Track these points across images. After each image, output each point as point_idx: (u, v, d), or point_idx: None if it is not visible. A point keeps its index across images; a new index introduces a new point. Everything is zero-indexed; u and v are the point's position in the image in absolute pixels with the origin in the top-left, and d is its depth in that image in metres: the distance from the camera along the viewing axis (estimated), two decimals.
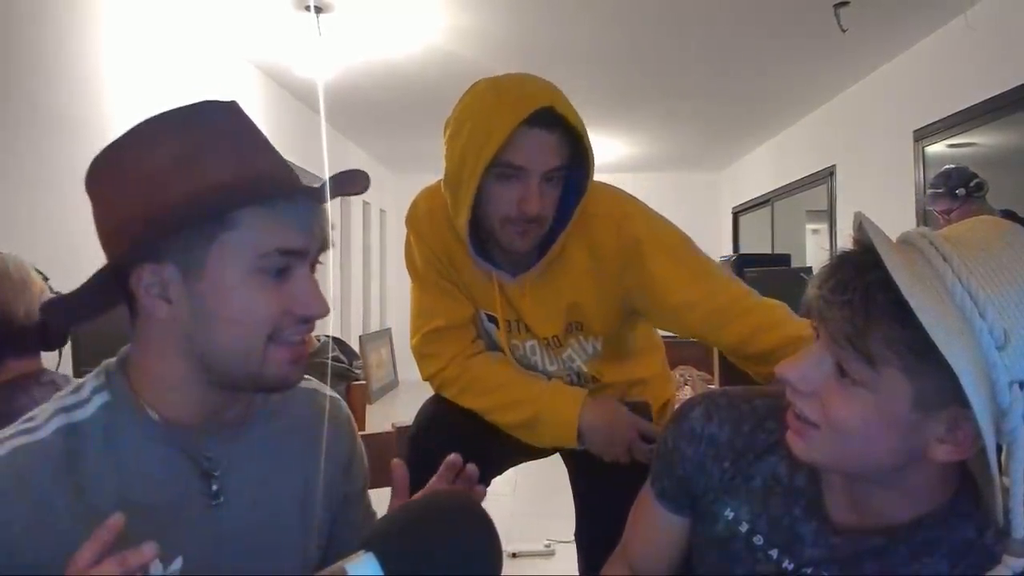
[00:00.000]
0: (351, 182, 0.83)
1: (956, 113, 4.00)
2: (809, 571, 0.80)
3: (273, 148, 0.81)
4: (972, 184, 3.10)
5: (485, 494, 0.87)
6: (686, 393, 4.01)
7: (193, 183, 0.74)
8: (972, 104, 3.85)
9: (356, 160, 7.32)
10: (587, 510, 1.52)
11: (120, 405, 0.78)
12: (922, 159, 4.40)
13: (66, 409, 0.77)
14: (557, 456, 1.54)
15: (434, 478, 0.85)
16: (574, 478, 1.55)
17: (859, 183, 5.35)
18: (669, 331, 1.55)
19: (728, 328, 1.25)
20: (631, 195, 1.35)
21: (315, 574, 0.69)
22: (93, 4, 3.20)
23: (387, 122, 6.44)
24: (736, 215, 8.59)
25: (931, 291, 0.65)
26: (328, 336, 3.36)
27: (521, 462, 1.55)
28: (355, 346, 6.41)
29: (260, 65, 4.85)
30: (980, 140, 4.16)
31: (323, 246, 0.81)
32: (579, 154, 1.24)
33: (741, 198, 8.33)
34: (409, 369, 2.28)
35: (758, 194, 7.65)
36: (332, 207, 0.83)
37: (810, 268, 5.10)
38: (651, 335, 1.56)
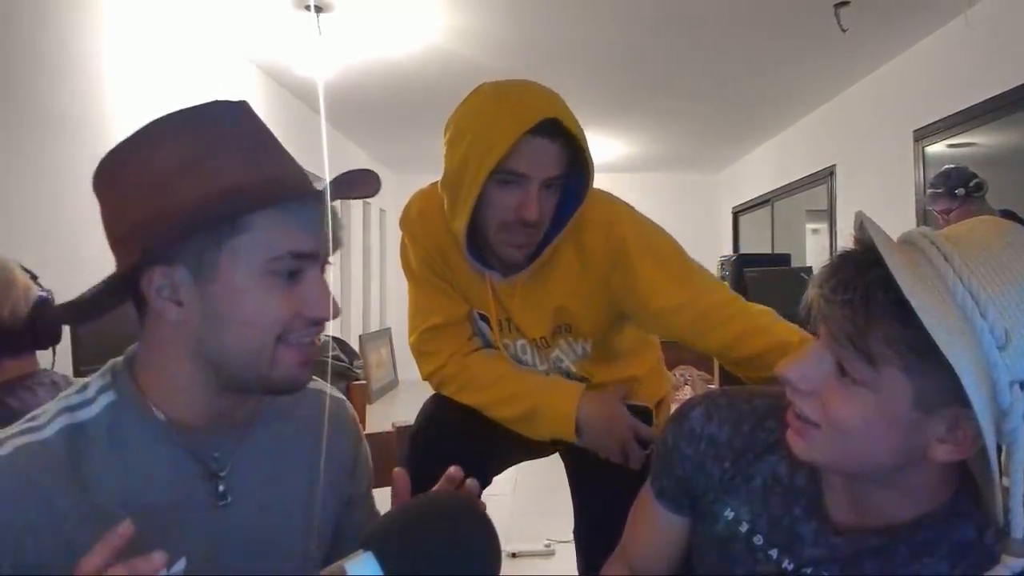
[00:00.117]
0: (363, 183, 0.82)
1: (956, 113, 4.00)
2: (809, 571, 0.80)
3: (283, 149, 0.81)
4: (971, 184, 3.10)
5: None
6: (686, 393, 4.01)
7: (204, 186, 0.73)
8: (972, 104, 3.84)
9: (356, 160, 7.32)
10: (586, 510, 1.52)
11: (126, 405, 0.78)
12: (922, 159, 4.40)
13: (70, 408, 0.77)
14: (557, 456, 1.54)
15: (434, 490, 0.85)
16: (572, 478, 1.55)
17: (859, 183, 5.34)
18: (657, 335, 1.55)
19: (713, 333, 1.27)
20: (623, 201, 1.37)
21: (315, 573, 0.69)
22: (94, 4, 3.20)
23: (387, 122, 6.44)
24: (736, 215, 8.59)
25: (932, 291, 0.65)
26: (328, 336, 3.36)
27: (521, 461, 1.55)
28: (355, 346, 6.42)
29: (260, 65, 4.85)
30: (980, 140, 4.16)
31: (334, 247, 0.81)
32: (577, 161, 1.25)
33: (741, 198, 8.33)
34: (409, 369, 2.28)
35: (758, 194, 7.65)
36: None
37: (810, 268, 5.10)
38: (644, 334, 1.56)
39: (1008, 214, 2.97)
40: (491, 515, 0.66)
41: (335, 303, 0.80)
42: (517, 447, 1.43)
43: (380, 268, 8.65)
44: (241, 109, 0.80)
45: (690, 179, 9.28)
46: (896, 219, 4.34)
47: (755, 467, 0.87)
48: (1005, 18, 3.61)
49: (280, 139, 0.82)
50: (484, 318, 1.42)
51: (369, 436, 1.06)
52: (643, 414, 1.38)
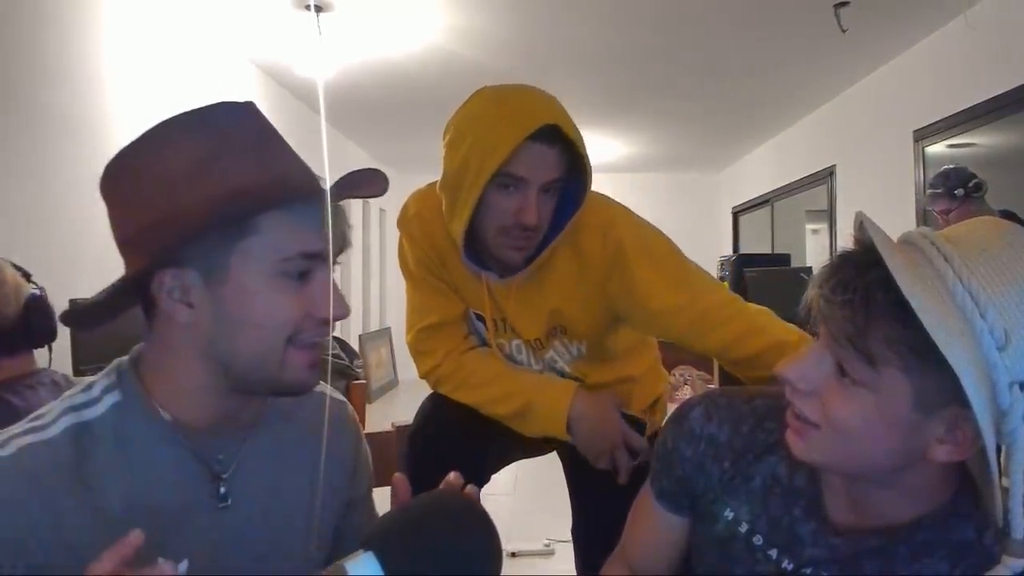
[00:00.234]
0: (371, 182, 0.82)
1: (956, 113, 4.00)
2: (809, 571, 0.80)
3: (291, 150, 0.81)
4: (971, 184, 3.10)
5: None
6: (686, 393, 4.02)
7: (214, 188, 0.73)
8: (972, 104, 3.84)
9: (356, 160, 7.32)
10: (584, 510, 1.52)
11: (132, 405, 0.78)
12: (922, 159, 4.40)
13: (75, 408, 0.77)
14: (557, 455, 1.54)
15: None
16: (571, 477, 1.55)
17: (859, 183, 5.34)
18: (655, 337, 1.55)
19: (712, 334, 1.28)
20: (620, 204, 1.37)
21: (316, 574, 0.69)
22: (94, 4, 3.20)
23: (387, 122, 6.44)
24: (736, 215, 8.59)
25: (932, 291, 0.65)
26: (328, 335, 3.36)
27: (519, 459, 1.56)
28: (355, 345, 6.42)
29: (260, 64, 4.86)
30: (980, 140, 4.16)
31: (343, 247, 0.81)
32: (576, 166, 1.25)
33: (741, 198, 8.33)
34: (409, 368, 2.28)
35: (758, 194, 7.65)
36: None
37: (810, 268, 5.11)
38: (640, 334, 1.56)
39: (1008, 214, 2.97)
40: (491, 515, 0.66)
41: (345, 302, 0.80)
42: (515, 445, 1.44)
43: (380, 268, 8.65)
44: (248, 110, 0.80)
45: (690, 179, 9.28)
46: (896, 219, 4.34)
47: (755, 467, 0.87)
48: (1005, 18, 3.61)
49: None
50: (480, 318, 1.42)
51: (369, 436, 1.06)
52: (637, 425, 1.38)
